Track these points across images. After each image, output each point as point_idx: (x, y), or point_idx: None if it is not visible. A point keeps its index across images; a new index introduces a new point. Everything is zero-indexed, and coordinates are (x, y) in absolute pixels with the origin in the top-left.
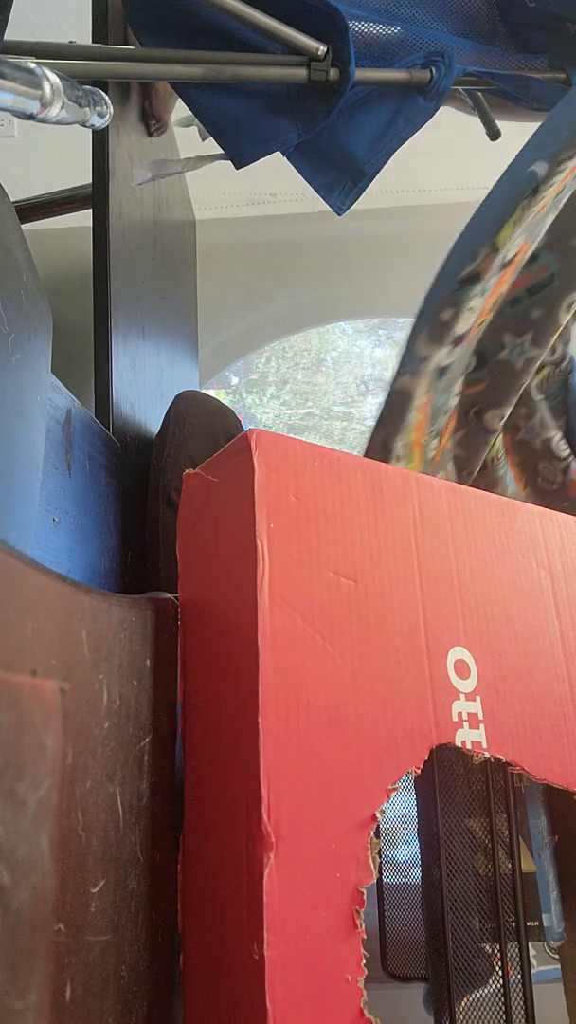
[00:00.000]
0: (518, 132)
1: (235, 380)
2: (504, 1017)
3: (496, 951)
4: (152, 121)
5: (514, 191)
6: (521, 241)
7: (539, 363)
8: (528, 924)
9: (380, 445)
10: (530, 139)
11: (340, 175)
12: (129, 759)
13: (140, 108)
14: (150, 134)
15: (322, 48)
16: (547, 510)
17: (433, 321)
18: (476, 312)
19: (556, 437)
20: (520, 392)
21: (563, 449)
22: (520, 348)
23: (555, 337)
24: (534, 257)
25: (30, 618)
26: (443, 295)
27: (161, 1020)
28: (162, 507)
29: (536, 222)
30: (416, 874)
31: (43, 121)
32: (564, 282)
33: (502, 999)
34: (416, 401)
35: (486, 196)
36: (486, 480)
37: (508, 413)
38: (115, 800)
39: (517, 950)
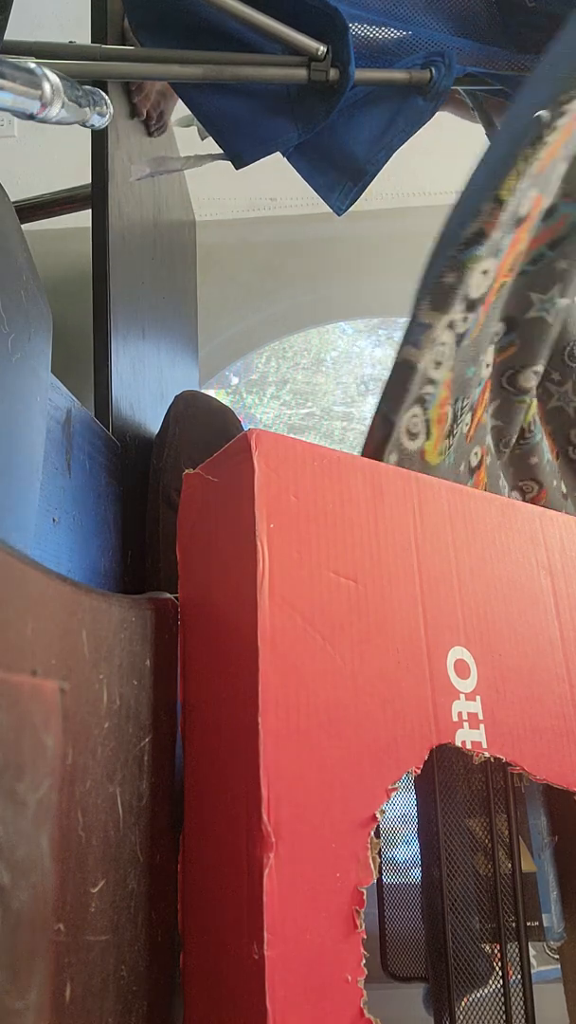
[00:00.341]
0: None
1: (235, 380)
2: (504, 1017)
3: (496, 951)
4: (151, 120)
5: (515, 141)
6: (535, 195)
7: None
8: (528, 924)
9: (381, 420)
10: (525, 87)
11: (340, 175)
12: (129, 759)
13: (130, 106)
14: (150, 133)
15: (322, 48)
16: (547, 510)
17: (435, 288)
18: (492, 275)
19: None
20: (552, 346)
21: None
22: (550, 302)
23: None
24: (551, 210)
25: (30, 618)
26: (445, 259)
27: (161, 1020)
28: (162, 507)
29: (548, 173)
30: (416, 874)
31: (43, 121)
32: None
33: (502, 999)
34: (429, 375)
35: (485, 151)
36: (522, 448)
37: (542, 371)
38: (115, 800)
39: (517, 950)
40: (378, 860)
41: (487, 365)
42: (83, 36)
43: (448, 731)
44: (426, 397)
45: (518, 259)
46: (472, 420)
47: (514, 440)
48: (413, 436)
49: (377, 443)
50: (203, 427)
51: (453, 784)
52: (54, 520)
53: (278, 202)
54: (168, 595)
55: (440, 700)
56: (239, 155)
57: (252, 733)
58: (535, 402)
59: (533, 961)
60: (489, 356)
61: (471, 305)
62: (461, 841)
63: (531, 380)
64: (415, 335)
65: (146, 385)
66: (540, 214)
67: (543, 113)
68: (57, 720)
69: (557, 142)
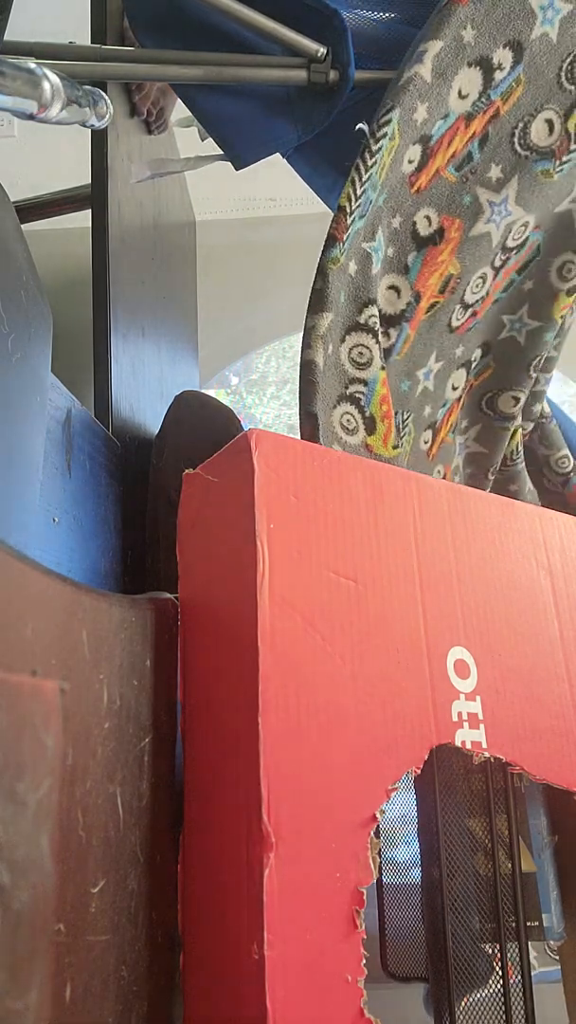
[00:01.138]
0: None
1: (235, 380)
2: (504, 1017)
3: (496, 951)
4: (151, 118)
5: (357, 153)
6: (432, 214)
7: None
8: (528, 924)
9: (304, 416)
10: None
11: (340, 176)
12: (129, 759)
13: (130, 104)
14: (151, 131)
15: (322, 50)
16: (547, 510)
17: (311, 295)
18: (408, 292)
19: (555, 456)
20: (529, 372)
21: (564, 466)
22: (519, 322)
23: (555, 307)
24: (524, 241)
25: (30, 618)
26: (318, 268)
27: (161, 1020)
28: (162, 507)
29: (448, 192)
30: (416, 874)
31: (43, 121)
32: (550, 249)
33: (502, 999)
34: (353, 375)
35: None
36: (506, 474)
37: (522, 398)
38: (115, 800)
39: (517, 950)
40: (378, 860)
41: (454, 387)
42: (83, 36)
43: (448, 731)
44: (358, 396)
45: (458, 283)
46: (435, 439)
47: (498, 467)
48: (350, 431)
49: (308, 438)
50: (203, 427)
51: (453, 784)
52: (54, 520)
53: (278, 202)
54: (168, 595)
55: (440, 700)
56: (239, 156)
57: (252, 733)
58: (519, 431)
59: (534, 962)
60: (460, 380)
61: (391, 320)
62: (461, 841)
63: (510, 405)
64: (306, 338)
65: (146, 385)
66: (466, 237)
67: (362, 126)
68: (57, 720)
69: (413, 159)
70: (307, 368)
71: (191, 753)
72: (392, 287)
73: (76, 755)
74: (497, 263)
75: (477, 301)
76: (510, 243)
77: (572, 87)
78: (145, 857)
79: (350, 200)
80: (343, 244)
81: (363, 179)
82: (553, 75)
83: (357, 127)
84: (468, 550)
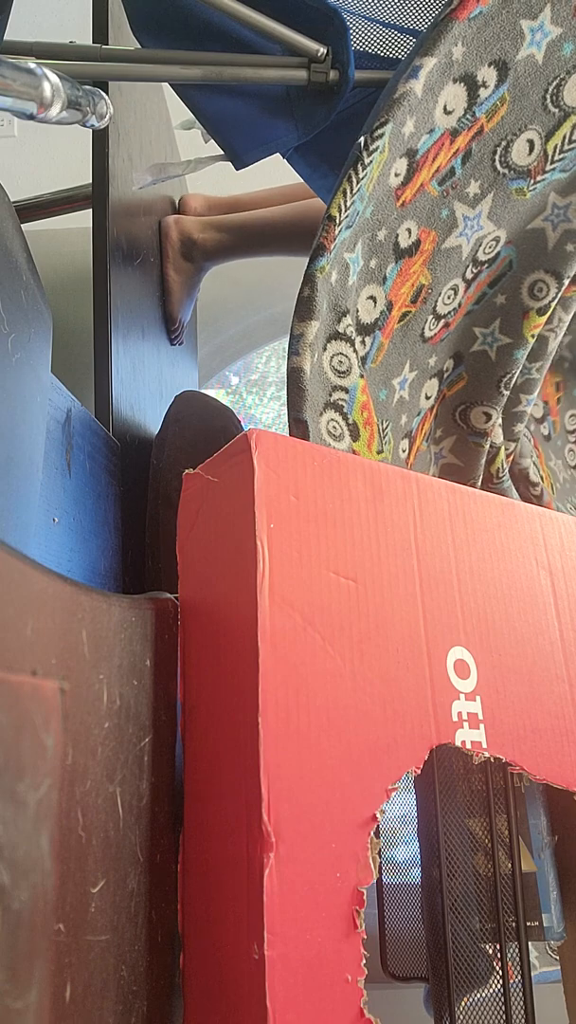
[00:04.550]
0: None
1: (235, 380)
2: (504, 1017)
3: (496, 951)
4: (172, 328)
5: (345, 165)
6: (414, 227)
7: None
8: (528, 924)
9: (294, 422)
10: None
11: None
12: (129, 759)
13: (159, 230)
14: (172, 342)
15: (322, 50)
16: (547, 510)
17: (298, 302)
18: (382, 301)
19: (531, 468)
20: (500, 389)
21: (534, 476)
22: (491, 336)
23: (526, 325)
24: (496, 256)
25: (30, 618)
26: (304, 276)
27: (161, 1020)
28: (162, 507)
29: (429, 206)
30: (416, 874)
31: (43, 121)
32: (523, 266)
33: (502, 999)
34: (335, 382)
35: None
36: (494, 492)
37: (495, 416)
38: (115, 800)
39: (517, 950)
40: (378, 860)
41: (427, 397)
42: (83, 36)
43: (448, 731)
44: (340, 403)
45: (429, 294)
46: (411, 448)
47: (479, 484)
48: (337, 437)
49: None
50: (203, 427)
51: (453, 784)
52: (54, 520)
53: None
54: (168, 595)
55: (440, 700)
56: (239, 156)
57: (252, 733)
58: (503, 450)
59: (535, 962)
60: (432, 390)
61: (366, 329)
62: (461, 841)
63: (482, 420)
64: (293, 345)
65: (146, 385)
66: (437, 249)
67: (361, 139)
68: (57, 720)
69: (400, 172)
70: (295, 375)
71: (191, 753)
72: (371, 297)
73: (76, 755)
74: (468, 275)
75: (450, 312)
76: (481, 256)
77: (556, 109)
78: (145, 857)
79: (340, 211)
80: (330, 254)
81: (354, 191)
82: (538, 97)
83: (358, 140)
84: (468, 550)
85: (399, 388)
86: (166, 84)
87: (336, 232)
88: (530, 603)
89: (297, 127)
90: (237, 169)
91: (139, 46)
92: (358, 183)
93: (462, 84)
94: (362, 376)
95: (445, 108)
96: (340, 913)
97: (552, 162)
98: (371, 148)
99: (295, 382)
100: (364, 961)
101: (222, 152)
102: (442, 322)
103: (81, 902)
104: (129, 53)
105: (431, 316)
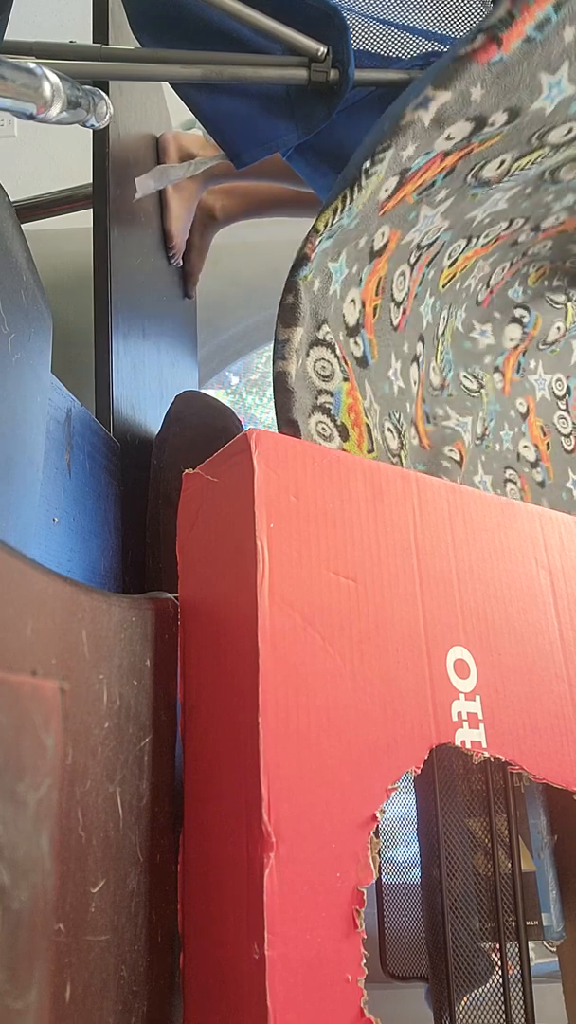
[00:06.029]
0: None
1: (235, 380)
2: (504, 1017)
3: (496, 950)
4: (170, 246)
5: (341, 181)
6: (387, 229)
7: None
8: (528, 923)
9: (284, 423)
10: (369, 135)
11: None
12: (129, 759)
13: (160, 232)
14: (169, 261)
15: (322, 49)
16: (547, 510)
17: (281, 308)
18: (359, 301)
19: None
20: (438, 347)
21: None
22: (428, 309)
23: (441, 278)
24: (435, 240)
25: (30, 618)
26: (287, 282)
27: (161, 1020)
28: (162, 507)
29: (403, 212)
30: (416, 874)
31: (43, 121)
32: (449, 239)
33: (502, 998)
34: (320, 386)
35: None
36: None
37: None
38: (115, 800)
39: (517, 949)
40: (378, 860)
41: (414, 383)
42: (83, 36)
43: (448, 731)
44: (327, 406)
45: (387, 284)
46: (417, 431)
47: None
48: (327, 438)
49: None
50: (203, 427)
51: (453, 784)
52: (54, 520)
53: None
54: (168, 595)
55: (440, 700)
56: (239, 155)
57: (252, 733)
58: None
59: (531, 954)
60: (414, 374)
61: (353, 331)
62: (461, 841)
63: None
64: (279, 350)
65: (146, 385)
66: (398, 246)
67: (363, 162)
68: (57, 720)
69: (389, 188)
70: (281, 378)
71: (191, 753)
72: (352, 300)
73: (76, 755)
74: (412, 259)
75: (403, 298)
76: (424, 242)
77: (536, 142)
78: (145, 857)
79: (327, 225)
80: (312, 263)
81: (344, 208)
82: (529, 134)
83: (359, 162)
84: (468, 550)
85: (394, 379)
86: (166, 84)
87: (317, 242)
88: (530, 603)
89: (297, 126)
90: (237, 168)
91: (139, 46)
92: (351, 203)
93: (473, 122)
94: (346, 380)
95: (448, 136)
96: (340, 913)
97: (510, 176)
98: (370, 172)
99: (282, 385)
100: (364, 961)
101: (222, 152)
102: (400, 308)
103: (81, 902)
104: (129, 53)
105: (392, 304)
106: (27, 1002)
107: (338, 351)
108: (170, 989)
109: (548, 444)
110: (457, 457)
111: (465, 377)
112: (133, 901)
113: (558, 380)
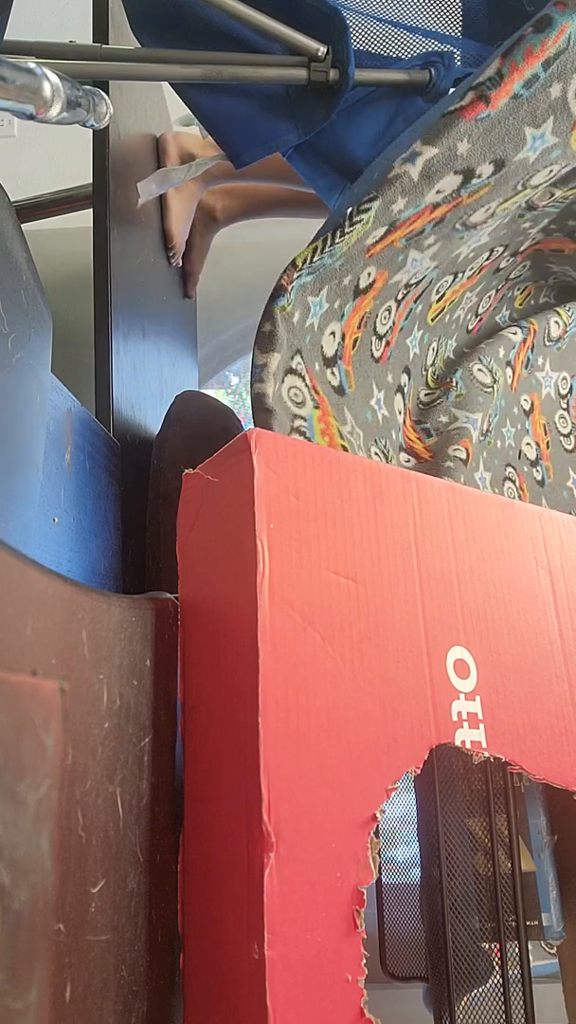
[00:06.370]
0: None
1: (235, 380)
2: (504, 1017)
3: (496, 950)
4: (170, 246)
5: (327, 224)
6: (374, 271)
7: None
8: (528, 923)
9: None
10: (359, 179)
11: (340, 176)
12: (129, 759)
13: (160, 232)
14: (169, 261)
15: (322, 49)
16: (547, 510)
17: (259, 336)
18: (339, 334)
19: None
20: (427, 380)
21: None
22: (416, 342)
23: (429, 313)
24: (423, 278)
25: (30, 618)
26: (265, 311)
27: (161, 1020)
28: (162, 507)
29: (392, 255)
30: (416, 874)
31: (43, 121)
32: (437, 276)
33: (502, 998)
34: (294, 411)
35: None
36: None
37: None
38: (115, 800)
39: (517, 949)
40: (378, 860)
41: (399, 412)
42: (83, 36)
43: (448, 731)
44: (302, 428)
45: (370, 318)
46: (413, 456)
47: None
48: None
49: None
50: (203, 427)
51: (453, 784)
52: (54, 520)
53: None
54: (168, 595)
55: (440, 700)
56: (238, 155)
57: (252, 733)
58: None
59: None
60: (399, 404)
61: (330, 362)
62: (461, 841)
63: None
64: (257, 374)
65: (146, 385)
66: (384, 288)
67: (347, 209)
68: (57, 720)
69: (376, 236)
70: (259, 399)
71: (191, 753)
72: (331, 332)
73: (76, 755)
74: (399, 296)
75: (387, 331)
76: (412, 281)
77: (522, 187)
78: (145, 857)
79: (306, 262)
80: (289, 295)
81: (325, 250)
82: (515, 182)
83: (347, 208)
84: (468, 550)
85: (377, 408)
86: (166, 84)
87: (295, 276)
88: (530, 603)
89: (297, 126)
90: (237, 168)
91: (139, 46)
92: (332, 245)
93: (460, 175)
94: (316, 407)
95: (437, 190)
96: (340, 913)
97: (494, 217)
98: (354, 220)
99: (260, 405)
100: (364, 961)
101: (222, 152)
102: (383, 341)
103: (81, 902)
104: (129, 53)
105: (374, 336)
106: (27, 1002)
107: (308, 380)
108: (170, 989)
109: (548, 443)
110: (463, 456)
111: (480, 371)
112: (133, 901)
113: (563, 378)
